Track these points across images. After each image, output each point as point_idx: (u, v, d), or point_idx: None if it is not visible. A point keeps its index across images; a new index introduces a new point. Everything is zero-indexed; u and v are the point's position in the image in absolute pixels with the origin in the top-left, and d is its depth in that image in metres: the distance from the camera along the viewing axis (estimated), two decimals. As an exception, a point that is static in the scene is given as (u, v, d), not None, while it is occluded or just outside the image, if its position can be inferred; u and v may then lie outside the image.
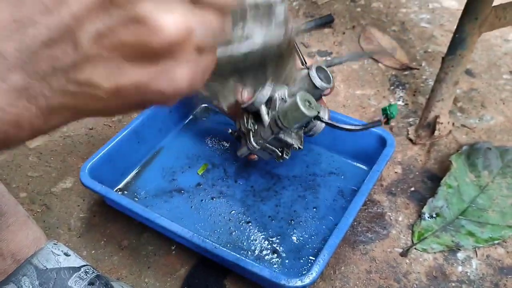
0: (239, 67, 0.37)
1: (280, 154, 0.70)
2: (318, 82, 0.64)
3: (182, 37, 0.26)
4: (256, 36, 0.36)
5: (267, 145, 0.69)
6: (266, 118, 0.66)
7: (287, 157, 0.71)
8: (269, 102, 0.67)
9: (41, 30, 0.26)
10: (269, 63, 0.38)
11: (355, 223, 0.78)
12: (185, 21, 0.26)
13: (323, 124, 0.68)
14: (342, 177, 0.81)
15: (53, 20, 0.26)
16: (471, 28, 0.81)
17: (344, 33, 1.16)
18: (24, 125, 0.28)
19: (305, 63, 0.68)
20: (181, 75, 0.28)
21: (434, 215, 0.78)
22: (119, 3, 0.25)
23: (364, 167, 0.82)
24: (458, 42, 0.82)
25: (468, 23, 0.81)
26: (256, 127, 0.69)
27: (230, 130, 0.77)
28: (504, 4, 0.84)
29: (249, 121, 0.69)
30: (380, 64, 1.07)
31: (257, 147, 0.69)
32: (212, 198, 0.79)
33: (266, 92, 0.65)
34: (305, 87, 0.66)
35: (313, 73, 0.64)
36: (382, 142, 0.77)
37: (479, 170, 0.83)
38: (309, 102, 0.61)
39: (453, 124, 0.92)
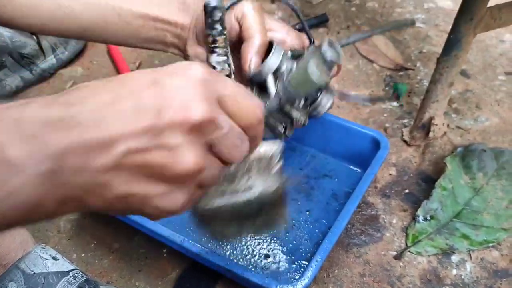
0: (239, 213, 0.44)
1: (283, 130, 0.67)
2: (329, 55, 0.58)
3: (195, 173, 0.33)
4: (256, 187, 0.43)
5: (270, 118, 0.64)
6: (272, 89, 0.63)
7: (290, 135, 0.67)
8: (276, 73, 0.63)
9: (87, 136, 0.30)
10: (263, 210, 0.45)
11: (348, 225, 0.77)
12: (201, 161, 0.33)
13: (330, 102, 0.64)
14: (336, 179, 0.80)
15: (102, 132, 0.30)
16: (467, 29, 0.80)
17: (338, 32, 1.15)
18: (40, 209, 0.30)
19: (313, 40, 0.65)
20: (179, 200, 0.34)
21: (428, 218, 0.77)
22: (163, 131, 0.31)
23: (358, 169, 0.81)
24: (453, 43, 0.81)
25: (463, 23, 0.80)
26: (260, 99, 0.65)
27: None
28: (499, 5, 0.83)
29: (254, 92, 0.65)
30: (374, 65, 1.06)
31: None
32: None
33: (274, 60, 0.61)
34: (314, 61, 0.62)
35: (325, 47, 0.60)
36: (376, 145, 0.76)
37: (474, 172, 0.83)
38: (321, 67, 0.59)
39: (447, 125, 0.91)
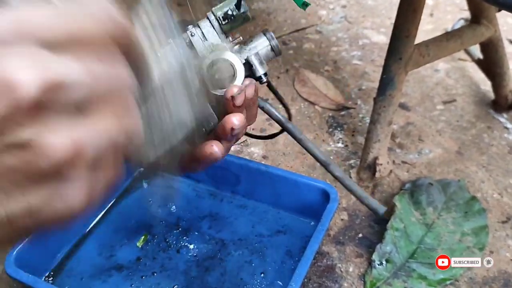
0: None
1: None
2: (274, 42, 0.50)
3: (70, 156, 0.25)
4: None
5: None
6: None
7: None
8: None
9: None
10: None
11: (305, 280, 0.75)
12: (72, 139, 0.25)
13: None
14: (290, 235, 0.78)
15: None
16: (397, 68, 0.81)
17: (278, 77, 1.15)
18: None
19: None
20: (74, 195, 0.27)
21: (384, 262, 0.76)
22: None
23: (311, 221, 0.79)
24: (386, 83, 0.82)
25: (393, 63, 0.81)
26: None
27: None
28: (426, 41, 0.86)
29: None
30: (316, 107, 1.06)
31: None
32: (153, 273, 0.74)
33: None
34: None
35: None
36: (326, 196, 0.74)
37: (424, 207, 0.82)
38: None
39: (393, 162, 0.91)
